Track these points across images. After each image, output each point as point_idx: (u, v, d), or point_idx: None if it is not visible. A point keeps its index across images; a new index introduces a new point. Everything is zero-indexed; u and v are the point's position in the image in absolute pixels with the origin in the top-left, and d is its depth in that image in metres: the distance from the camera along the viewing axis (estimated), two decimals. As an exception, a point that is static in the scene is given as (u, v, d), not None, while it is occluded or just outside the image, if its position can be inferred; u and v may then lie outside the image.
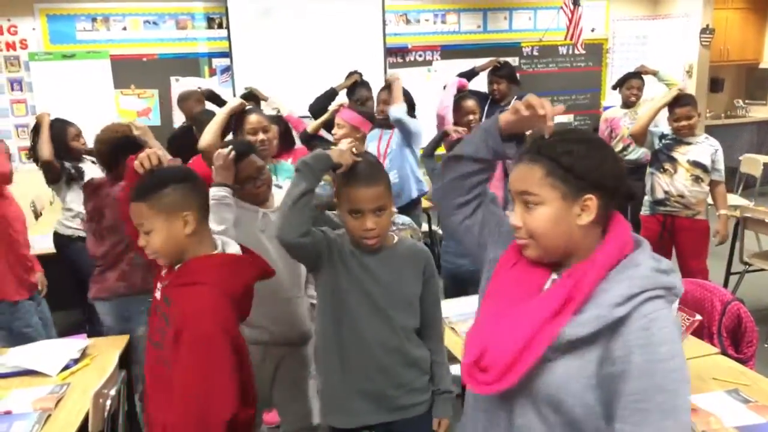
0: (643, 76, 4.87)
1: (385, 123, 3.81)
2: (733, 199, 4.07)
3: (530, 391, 1.16)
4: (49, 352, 2.34)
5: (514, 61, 6.48)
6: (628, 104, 4.97)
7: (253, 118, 2.79)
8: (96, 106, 5.72)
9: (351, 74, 4.63)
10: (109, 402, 2.00)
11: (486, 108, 4.44)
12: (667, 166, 3.76)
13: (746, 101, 8.30)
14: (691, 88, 6.89)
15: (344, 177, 1.77)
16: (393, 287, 1.82)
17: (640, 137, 3.82)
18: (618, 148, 4.87)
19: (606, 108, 7.11)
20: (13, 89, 5.70)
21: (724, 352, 2.32)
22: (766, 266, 4.09)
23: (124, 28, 5.84)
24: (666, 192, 3.77)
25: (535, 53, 7.06)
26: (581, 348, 1.11)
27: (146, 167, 1.68)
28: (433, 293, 1.91)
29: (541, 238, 1.18)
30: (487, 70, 4.76)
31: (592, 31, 7.19)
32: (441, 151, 3.61)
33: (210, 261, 1.63)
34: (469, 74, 4.66)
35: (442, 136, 3.57)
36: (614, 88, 5.00)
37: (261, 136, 2.77)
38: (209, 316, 1.52)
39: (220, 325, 1.52)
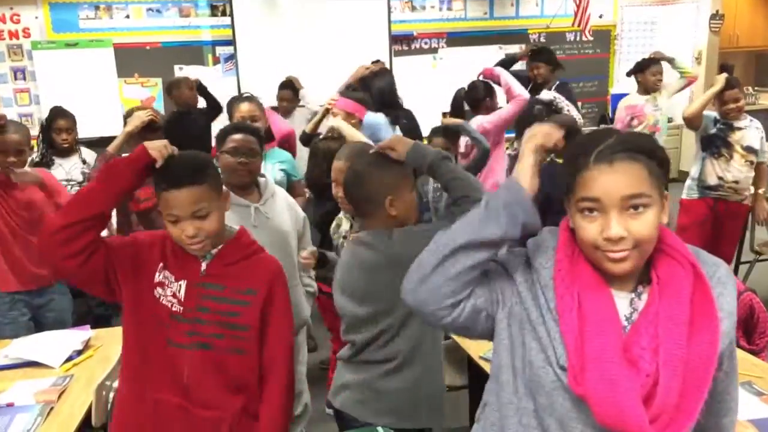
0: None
1: None
2: (743, 188, 4.02)
3: None
4: (52, 344, 2.32)
5: (520, 48, 6.39)
6: (649, 90, 4.70)
7: (244, 107, 2.87)
8: (99, 95, 5.70)
9: (375, 62, 4.57)
10: (112, 394, 1.98)
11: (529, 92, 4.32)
12: (724, 151, 3.78)
13: (756, 88, 8.20)
14: (700, 75, 6.80)
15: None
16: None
17: (695, 120, 3.82)
18: None
19: (616, 96, 7.05)
20: (16, 78, 5.67)
21: (736, 344, 2.28)
22: (777, 255, 4.05)
23: (127, 16, 5.79)
24: (720, 177, 3.79)
25: (543, 40, 6.97)
26: None
27: (164, 155, 1.56)
28: None
29: (647, 244, 1.06)
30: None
31: (600, 17, 7.10)
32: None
33: (247, 233, 1.72)
34: (508, 62, 4.59)
35: (432, 136, 3.36)
36: (629, 74, 4.88)
37: (246, 116, 2.90)
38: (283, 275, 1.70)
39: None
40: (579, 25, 6.16)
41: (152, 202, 2.89)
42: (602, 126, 5.98)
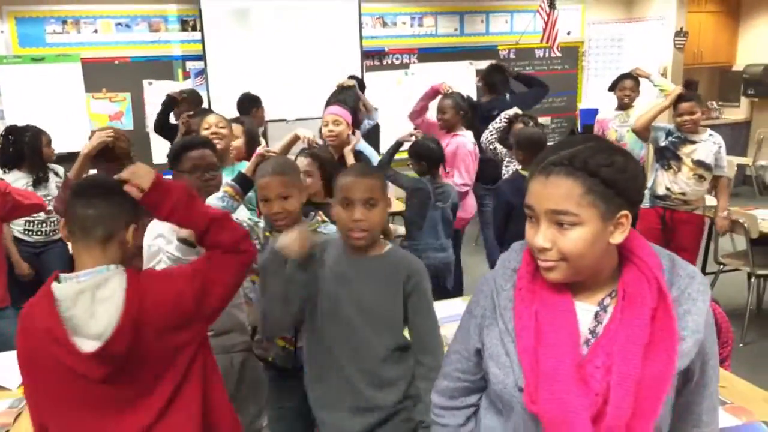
0: (638, 78, 4.78)
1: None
2: (708, 200, 4.10)
3: None
4: (9, 365, 2.25)
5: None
6: (621, 106, 4.82)
7: (211, 118, 2.89)
8: (66, 110, 5.60)
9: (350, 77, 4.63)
10: (70, 415, 1.92)
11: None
12: (672, 163, 3.85)
13: (719, 103, 8.40)
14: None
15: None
16: (370, 301, 1.75)
17: (642, 132, 3.93)
18: None
19: (585, 111, 7.18)
20: (-20, 93, 5.56)
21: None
22: (741, 266, 4.12)
23: (95, 31, 5.73)
24: (668, 188, 3.87)
25: (512, 56, 7.08)
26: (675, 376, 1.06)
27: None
28: (421, 313, 1.78)
29: (575, 260, 1.06)
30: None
31: (568, 34, 7.23)
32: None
33: None
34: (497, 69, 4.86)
35: (397, 147, 3.58)
36: (609, 89, 4.95)
37: (213, 129, 2.86)
38: None
39: None
40: (547, 42, 6.27)
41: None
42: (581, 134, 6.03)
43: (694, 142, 3.79)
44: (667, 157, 3.86)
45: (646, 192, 3.99)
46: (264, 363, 2.18)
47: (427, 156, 3.44)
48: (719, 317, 2.40)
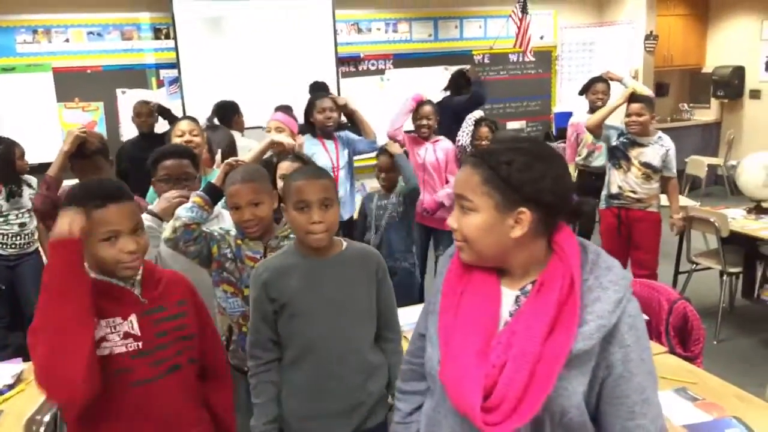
0: (609, 81, 4.85)
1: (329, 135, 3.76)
2: (680, 200, 4.18)
3: (538, 414, 1.10)
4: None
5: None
6: (594, 109, 4.78)
7: (184, 124, 2.82)
8: (38, 120, 5.53)
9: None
10: (42, 429, 1.90)
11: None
12: (623, 163, 3.94)
13: (690, 105, 8.56)
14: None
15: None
16: (347, 298, 1.77)
17: (594, 129, 4.01)
18: (583, 154, 4.91)
19: (559, 114, 7.26)
20: (-50, 104, 5.47)
21: (672, 351, 2.35)
22: (713, 265, 4.19)
23: (67, 40, 5.67)
24: (620, 187, 3.96)
25: (486, 61, 7.14)
26: (582, 359, 1.10)
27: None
28: (386, 296, 1.87)
29: (473, 243, 1.18)
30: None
31: (541, 38, 7.33)
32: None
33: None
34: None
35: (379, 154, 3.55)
36: (581, 93, 5.01)
37: (187, 137, 2.78)
38: None
39: None
40: (520, 47, 6.33)
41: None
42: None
43: (642, 145, 3.87)
44: (618, 156, 3.96)
45: (603, 193, 4.09)
46: (239, 373, 2.16)
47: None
48: (690, 315, 2.45)
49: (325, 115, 3.68)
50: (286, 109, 3.94)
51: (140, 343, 1.51)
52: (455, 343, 1.16)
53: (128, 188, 1.57)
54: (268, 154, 2.97)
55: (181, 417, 1.60)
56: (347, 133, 3.84)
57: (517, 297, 1.18)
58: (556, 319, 1.09)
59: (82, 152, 2.68)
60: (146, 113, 4.73)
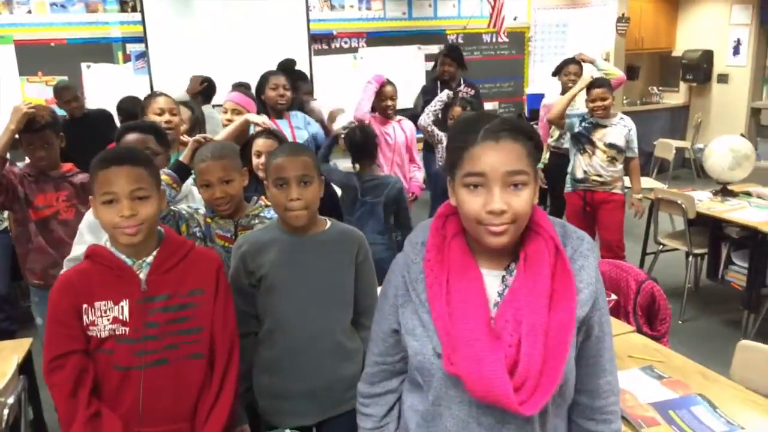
0: (582, 63, 4.85)
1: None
2: (648, 182, 4.25)
3: None
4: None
5: (438, 48, 6.49)
6: (566, 90, 4.74)
7: (161, 100, 2.69)
8: (-1, 94, 5.35)
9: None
10: (6, 411, 1.86)
11: (438, 89, 4.57)
12: (587, 147, 4.02)
13: (660, 88, 8.66)
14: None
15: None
16: (324, 278, 1.77)
17: (557, 121, 4.16)
18: (555, 136, 4.94)
19: (532, 96, 7.27)
20: None
21: (639, 330, 2.39)
22: (679, 246, 4.27)
23: (29, 12, 5.47)
24: (585, 171, 4.04)
25: (460, 41, 7.11)
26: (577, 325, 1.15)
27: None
28: (366, 280, 1.84)
29: (522, 220, 1.12)
30: (439, 52, 4.92)
31: (515, 19, 7.31)
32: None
33: (173, 231, 1.73)
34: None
35: (334, 141, 3.56)
36: (553, 75, 5.03)
37: (167, 116, 2.65)
38: None
39: None
40: (494, 27, 6.31)
41: (51, 209, 2.72)
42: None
43: (605, 126, 3.96)
44: (582, 141, 4.04)
45: (568, 177, 4.18)
46: None
47: (355, 148, 3.34)
48: (657, 294, 2.49)
49: (278, 92, 3.51)
50: (243, 88, 3.82)
51: (126, 329, 1.48)
52: (459, 332, 1.11)
53: (145, 154, 1.55)
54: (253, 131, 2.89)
55: (157, 412, 1.52)
56: (306, 117, 3.72)
57: (503, 277, 1.17)
58: (553, 289, 1.11)
59: (31, 126, 2.57)
60: (71, 98, 4.54)
